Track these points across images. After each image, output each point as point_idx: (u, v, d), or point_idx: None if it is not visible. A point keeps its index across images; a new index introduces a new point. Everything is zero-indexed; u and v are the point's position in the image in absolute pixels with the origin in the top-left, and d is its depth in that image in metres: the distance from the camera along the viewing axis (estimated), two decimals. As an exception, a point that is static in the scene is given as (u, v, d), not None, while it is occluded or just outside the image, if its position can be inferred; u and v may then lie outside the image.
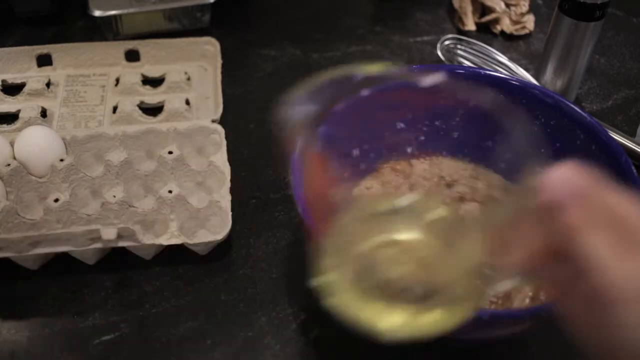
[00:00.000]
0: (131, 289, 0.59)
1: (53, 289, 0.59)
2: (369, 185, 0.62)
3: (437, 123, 0.64)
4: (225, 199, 0.62)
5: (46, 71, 0.78)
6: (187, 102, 0.73)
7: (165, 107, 0.72)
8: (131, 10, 0.81)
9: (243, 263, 0.61)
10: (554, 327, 0.56)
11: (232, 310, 0.58)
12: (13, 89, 0.76)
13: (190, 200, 0.63)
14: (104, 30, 0.82)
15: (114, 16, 0.81)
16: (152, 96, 0.75)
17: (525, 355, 0.56)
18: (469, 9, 0.89)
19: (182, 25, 0.84)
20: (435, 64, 0.80)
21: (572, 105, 0.59)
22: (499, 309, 0.52)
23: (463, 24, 0.88)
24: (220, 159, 0.66)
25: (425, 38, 0.88)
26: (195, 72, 0.79)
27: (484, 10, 0.90)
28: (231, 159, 0.66)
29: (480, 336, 0.51)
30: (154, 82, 0.77)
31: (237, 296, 0.59)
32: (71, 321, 0.56)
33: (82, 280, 0.59)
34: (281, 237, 0.63)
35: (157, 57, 0.79)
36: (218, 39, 0.80)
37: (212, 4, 0.83)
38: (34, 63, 0.77)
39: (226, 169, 0.65)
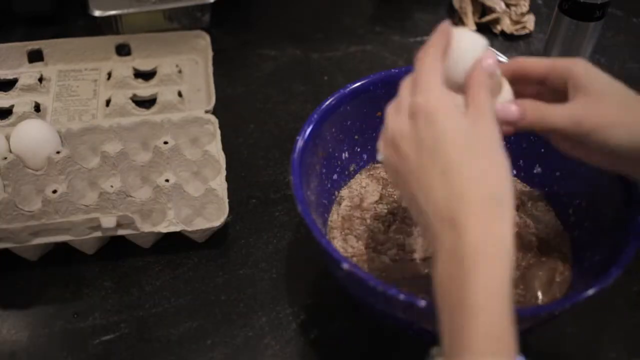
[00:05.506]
0: (131, 289, 0.59)
1: (53, 289, 0.59)
2: (364, 184, 0.62)
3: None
4: (221, 187, 0.63)
5: (38, 67, 0.78)
6: (180, 94, 0.74)
7: (158, 100, 0.73)
8: (131, 10, 0.81)
9: (243, 263, 0.61)
10: (554, 327, 0.57)
11: (232, 310, 0.58)
12: (5, 85, 0.76)
13: (187, 190, 0.63)
14: (104, 30, 0.82)
15: (114, 16, 0.81)
16: (144, 89, 0.76)
17: (525, 355, 0.56)
18: (469, 9, 0.89)
19: (182, 25, 0.84)
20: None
21: (572, 105, 0.59)
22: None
23: (463, 24, 0.88)
24: (215, 148, 0.66)
25: (425, 38, 0.86)
26: (186, 65, 0.79)
27: (484, 10, 0.90)
28: (231, 159, 0.66)
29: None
30: (145, 76, 0.78)
31: (237, 296, 0.59)
32: (71, 321, 0.56)
33: (82, 280, 0.59)
34: (281, 237, 0.63)
35: (148, 50, 0.79)
36: (218, 39, 0.80)
37: (212, 4, 0.83)
38: (25, 59, 0.78)
39: (221, 157, 0.65)
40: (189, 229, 0.60)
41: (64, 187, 0.62)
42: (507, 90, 0.46)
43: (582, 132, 0.44)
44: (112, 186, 0.61)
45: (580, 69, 0.45)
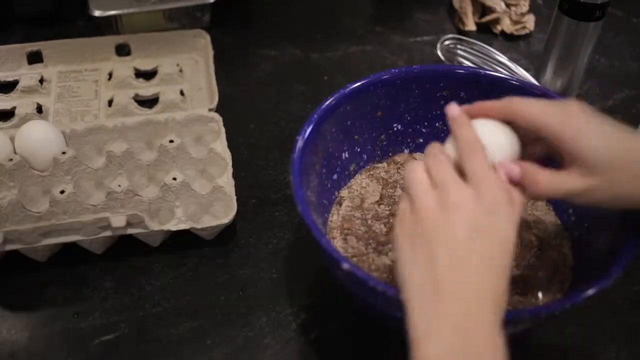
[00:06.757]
0: (131, 289, 0.59)
1: (53, 289, 0.59)
2: (364, 184, 0.62)
3: (437, 125, 0.64)
4: (229, 184, 0.63)
5: (37, 68, 0.78)
6: (182, 93, 0.74)
7: (160, 99, 0.73)
8: (131, 10, 0.81)
9: (243, 263, 0.61)
10: (554, 327, 0.56)
11: (232, 310, 0.58)
12: (6, 87, 0.76)
13: (194, 188, 0.63)
14: (104, 31, 0.82)
15: (114, 16, 0.81)
16: (146, 88, 0.76)
17: (525, 355, 0.56)
18: (469, 9, 0.89)
19: (182, 25, 0.84)
20: (435, 64, 0.80)
21: (572, 105, 0.59)
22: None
23: (463, 24, 0.88)
24: (220, 145, 0.66)
25: (425, 38, 0.88)
26: (186, 64, 0.79)
27: (484, 10, 0.90)
28: (230, 159, 0.66)
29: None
30: (146, 75, 0.78)
31: (237, 296, 0.59)
32: (71, 321, 0.56)
33: (83, 280, 0.59)
34: (281, 237, 0.63)
35: (148, 50, 0.80)
36: (218, 38, 0.80)
37: (212, 4, 0.83)
38: (25, 61, 0.78)
39: (227, 155, 0.65)
40: (198, 226, 0.60)
41: (70, 187, 0.62)
42: (513, 143, 0.46)
43: (595, 202, 0.45)
44: (119, 185, 0.61)
45: (572, 134, 0.44)
